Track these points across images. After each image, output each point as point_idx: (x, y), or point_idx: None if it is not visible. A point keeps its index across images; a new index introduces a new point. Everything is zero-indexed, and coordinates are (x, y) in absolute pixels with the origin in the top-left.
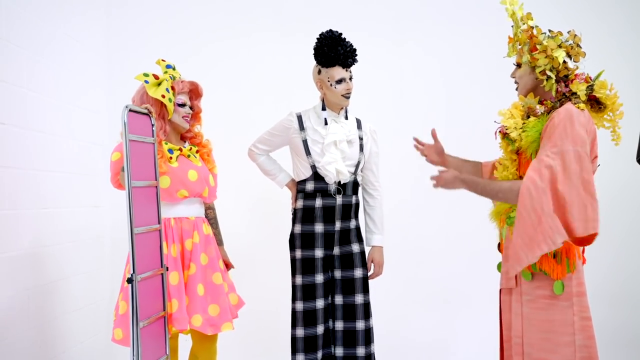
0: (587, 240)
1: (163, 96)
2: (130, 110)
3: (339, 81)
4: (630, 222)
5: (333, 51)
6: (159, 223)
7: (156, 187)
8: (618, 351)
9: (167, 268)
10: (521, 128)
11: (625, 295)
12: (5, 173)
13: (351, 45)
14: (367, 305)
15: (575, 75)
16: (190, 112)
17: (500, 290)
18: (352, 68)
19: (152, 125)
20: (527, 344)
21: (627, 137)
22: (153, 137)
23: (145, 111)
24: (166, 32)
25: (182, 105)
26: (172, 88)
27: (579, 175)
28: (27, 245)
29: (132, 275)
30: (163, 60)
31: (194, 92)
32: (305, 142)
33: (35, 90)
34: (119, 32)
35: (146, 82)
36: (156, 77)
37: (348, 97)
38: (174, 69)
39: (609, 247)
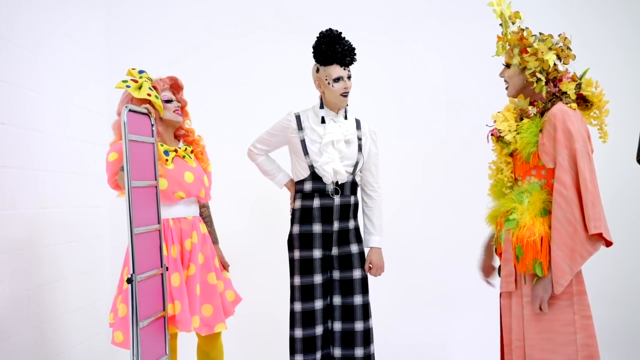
0: (608, 242)
1: (149, 95)
2: (130, 110)
3: (337, 79)
4: (630, 222)
5: (331, 49)
6: (158, 223)
7: (156, 187)
8: (619, 351)
9: (167, 268)
10: (515, 130)
11: (626, 295)
12: (5, 173)
13: (350, 44)
14: (366, 306)
15: (562, 76)
16: (179, 105)
17: (500, 294)
18: (352, 68)
19: (152, 125)
20: (528, 345)
21: (627, 137)
22: (153, 137)
23: (145, 111)
24: (165, 31)
25: (169, 101)
26: (154, 88)
27: (586, 175)
28: (27, 245)
29: (132, 275)
30: (133, 69)
31: (175, 86)
32: (303, 142)
33: (35, 90)
34: (118, 31)
35: (128, 86)
36: (135, 81)
37: (346, 96)
38: (146, 73)
39: (609, 247)
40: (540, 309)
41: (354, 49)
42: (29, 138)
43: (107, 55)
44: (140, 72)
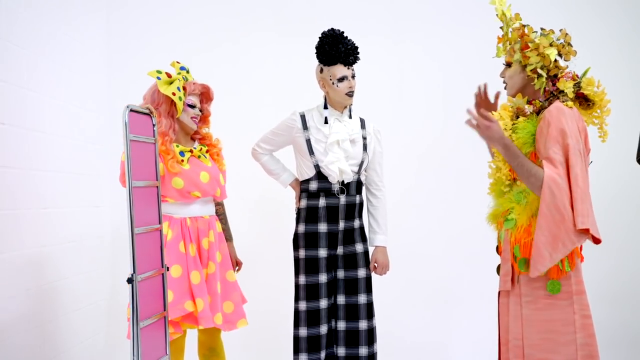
0: (596, 239)
1: (174, 94)
2: (131, 110)
3: (341, 79)
4: (630, 222)
5: (334, 49)
6: (159, 223)
7: (157, 187)
8: (618, 351)
9: (168, 268)
10: (511, 129)
11: (625, 295)
12: (5, 173)
13: (352, 43)
14: (370, 305)
15: (563, 74)
16: (200, 114)
17: (499, 292)
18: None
19: (153, 125)
20: (527, 345)
21: (627, 137)
22: (154, 137)
23: (147, 111)
24: (167, 33)
25: (192, 106)
26: (184, 88)
27: (577, 171)
28: (28, 245)
29: (132, 275)
30: (178, 62)
31: (205, 95)
32: (308, 142)
33: (35, 90)
34: (119, 32)
35: (158, 78)
36: (169, 75)
37: (351, 95)
38: (187, 72)
39: (609, 247)
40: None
41: (357, 47)
42: (29, 138)
43: (108, 55)
44: (182, 68)
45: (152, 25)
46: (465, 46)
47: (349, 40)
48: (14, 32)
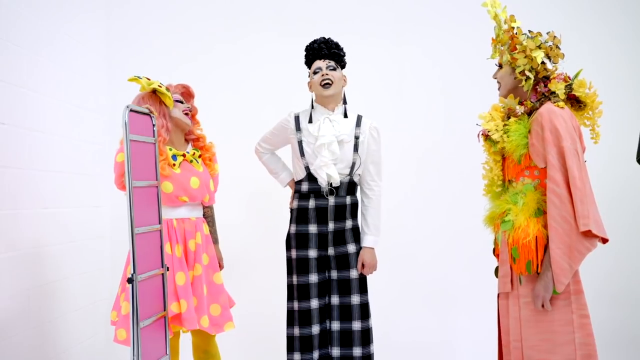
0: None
1: (160, 86)
2: (131, 110)
3: (315, 72)
4: (630, 222)
5: (310, 49)
6: (159, 223)
7: (157, 187)
8: (618, 351)
9: (168, 268)
10: (502, 129)
11: (625, 295)
12: (5, 173)
13: (326, 38)
14: (364, 306)
15: (554, 75)
16: (189, 107)
17: (498, 294)
18: (351, 68)
19: (153, 125)
20: (526, 347)
21: (627, 137)
22: (154, 137)
23: (147, 111)
24: (166, 33)
25: (180, 102)
26: (167, 89)
27: (574, 172)
28: (27, 245)
29: (132, 275)
30: (148, 78)
31: (186, 94)
32: (300, 143)
33: (35, 90)
34: (119, 33)
35: (140, 77)
36: (148, 78)
37: (326, 87)
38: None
39: (609, 247)
40: (543, 306)
41: (330, 41)
42: (29, 138)
43: (108, 56)
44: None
45: (151, 25)
46: (465, 47)
47: (324, 38)
48: (14, 32)
